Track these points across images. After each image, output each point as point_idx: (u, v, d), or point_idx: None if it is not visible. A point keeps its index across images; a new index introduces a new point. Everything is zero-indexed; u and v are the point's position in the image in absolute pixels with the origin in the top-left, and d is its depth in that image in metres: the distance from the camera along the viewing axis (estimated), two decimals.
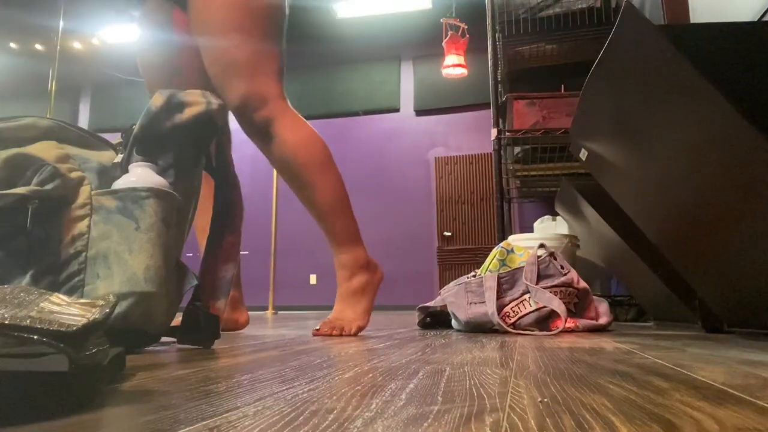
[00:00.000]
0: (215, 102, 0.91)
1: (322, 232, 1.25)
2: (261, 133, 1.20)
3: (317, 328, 1.17)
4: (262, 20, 1.20)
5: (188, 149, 0.90)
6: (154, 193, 0.79)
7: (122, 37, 6.07)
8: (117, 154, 0.86)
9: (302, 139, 1.21)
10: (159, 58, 1.33)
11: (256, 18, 1.19)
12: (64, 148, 0.80)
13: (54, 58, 4.44)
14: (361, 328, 1.19)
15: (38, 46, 6.06)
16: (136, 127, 0.86)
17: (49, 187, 0.75)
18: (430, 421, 0.31)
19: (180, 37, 1.31)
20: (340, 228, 1.22)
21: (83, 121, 6.98)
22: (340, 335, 1.14)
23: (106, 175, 0.82)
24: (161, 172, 0.86)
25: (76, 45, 6.08)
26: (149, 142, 0.86)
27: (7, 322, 0.34)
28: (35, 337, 0.34)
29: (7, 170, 0.75)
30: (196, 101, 0.89)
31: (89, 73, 6.72)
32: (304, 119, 1.24)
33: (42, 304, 0.40)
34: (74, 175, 0.79)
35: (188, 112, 0.88)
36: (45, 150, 0.78)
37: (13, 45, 6.18)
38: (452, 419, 0.31)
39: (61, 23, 4.53)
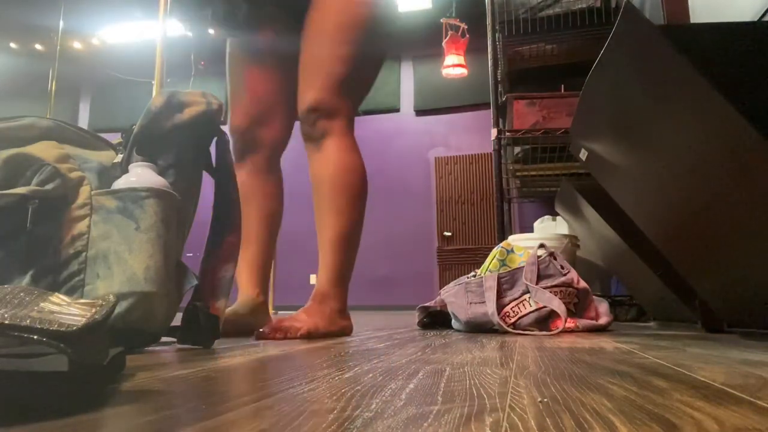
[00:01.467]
0: (215, 102, 0.91)
1: (320, 262, 1.22)
2: (314, 141, 1.24)
3: (263, 330, 1.06)
4: (367, 47, 1.26)
5: (188, 149, 0.90)
6: (154, 193, 0.79)
7: (122, 37, 6.06)
8: (117, 154, 0.86)
9: (347, 166, 1.23)
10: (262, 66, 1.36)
11: (362, 43, 1.25)
12: (64, 148, 0.80)
13: (54, 58, 4.44)
14: (309, 332, 1.08)
15: (38, 46, 6.06)
16: (135, 127, 0.87)
17: (49, 187, 0.75)
18: (430, 421, 0.31)
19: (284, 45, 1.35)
20: (338, 265, 1.20)
21: (83, 121, 6.98)
22: (285, 337, 1.05)
23: (106, 175, 0.82)
24: (161, 172, 0.86)
25: (76, 45, 6.08)
26: (149, 142, 0.86)
27: (7, 322, 0.34)
28: (35, 337, 0.34)
29: (7, 170, 0.75)
30: (196, 101, 0.90)
31: (89, 73, 6.72)
32: (359, 151, 1.26)
33: (42, 304, 0.40)
34: (74, 175, 0.79)
35: (188, 112, 0.88)
36: (45, 150, 0.78)
37: (13, 45, 6.17)
38: (452, 419, 0.31)
39: (61, 23, 4.53)
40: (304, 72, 1.25)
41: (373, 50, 1.28)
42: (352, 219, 1.23)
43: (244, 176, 1.35)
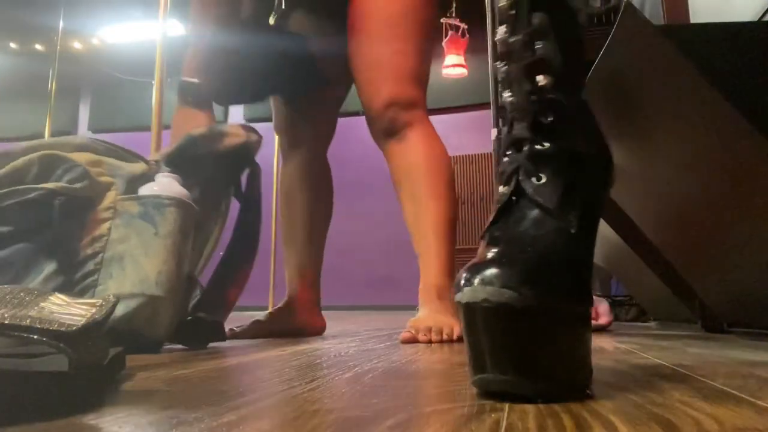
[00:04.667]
0: (254, 136, 0.96)
1: (418, 253, 1.14)
2: (395, 135, 1.19)
3: (408, 333, 0.96)
4: (424, 34, 1.23)
5: (218, 174, 0.94)
6: (176, 202, 0.81)
7: (122, 37, 6.06)
8: (147, 165, 0.88)
9: (433, 151, 1.19)
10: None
11: (420, 31, 1.21)
12: (97, 157, 0.84)
13: (54, 58, 4.43)
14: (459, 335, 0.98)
15: (38, 46, 6.06)
16: (173, 146, 0.90)
17: (77, 186, 0.78)
18: (430, 421, 0.31)
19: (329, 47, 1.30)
20: (449, 253, 1.12)
21: (83, 121, 6.97)
22: (441, 340, 0.95)
23: (134, 183, 0.85)
24: (186, 187, 0.87)
25: (76, 45, 6.08)
26: (180, 160, 0.89)
27: (7, 321, 0.34)
28: (35, 337, 0.34)
29: (41, 167, 0.78)
30: (237, 133, 0.94)
31: (89, 73, 6.71)
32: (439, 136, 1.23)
33: (42, 304, 0.40)
34: (103, 179, 0.81)
35: (227, 142, 0.92)
36: (79, 155, 0.81)
37: (13, 45, 6.17)
38: (452, 419, 0.31)
39: (61, 23, 4.53)
40: (369, 70, 1.20)
41: (427, 32, 1.24)
42: (453, 203, 1.17)
43: (290, 170, 1.33)
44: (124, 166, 0.85)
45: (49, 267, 0.75)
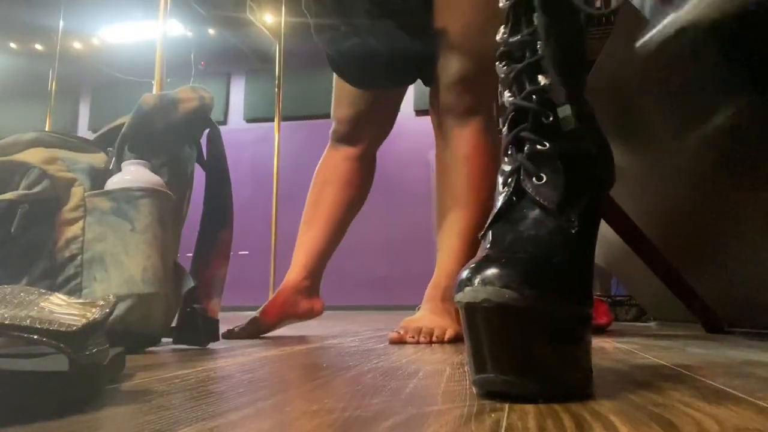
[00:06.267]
0: (207, 96, 0.91)
1: (439, 248, 1.10)
2: (457, 116, 1.11)
3: (396, 333, 0.95)
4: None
5: (181, 146, 0.90)
6: (149, 192, 0.79)
7: (122, 37, 6.06)
8: (107, 156, 0.85)
9: (491, 150, 1.12)
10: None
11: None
12: (52, 152, 0.80)
13: (54, 58, 4.44)
14: (454, 335, 0.95)
15: (38, 46, 6.06)
16: (125, 127, 0.85)
17: (37, 189, 0.75)
18: (430, 421, 0.31)
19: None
20: (467, 258, 1.07)
21: (83, 121, 6.97)
22: (430, 341, 0.93)
23: (99, 177, 0.81)
24: (155, 171, 0.85)
25: (76, 45, 6.08)
26: (141, 141, 0.85)
27: (7, 322, 0.34)
28: (35, 337, 0.34)
29: None
30: (189, 97, 0.89)
31: (89, 73, 6.71)
32: None
33: (42, 304, 0.40)
34: (64, 175, 0.78)
35: (182, 108, 0.88)
36: (31, 154, 0.77)
37: (13, 45, 6.17)
38: (452, 419, 0.31)
39: (61, 23, 4.53)
40: (448, 38, 1.11)
41: None
42: (488, 211, 1.12)
43: (337, 160, 1.29)
44: (82, 158, 0.81)
45: (27, 277, 0.73)
